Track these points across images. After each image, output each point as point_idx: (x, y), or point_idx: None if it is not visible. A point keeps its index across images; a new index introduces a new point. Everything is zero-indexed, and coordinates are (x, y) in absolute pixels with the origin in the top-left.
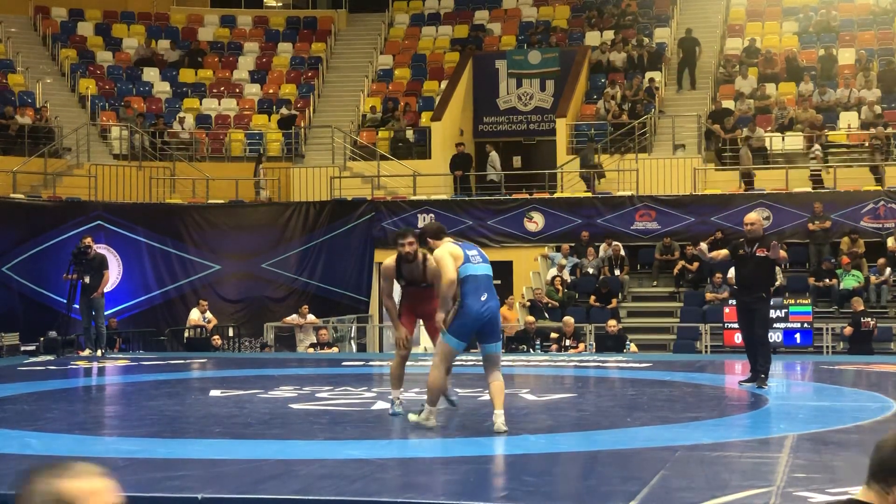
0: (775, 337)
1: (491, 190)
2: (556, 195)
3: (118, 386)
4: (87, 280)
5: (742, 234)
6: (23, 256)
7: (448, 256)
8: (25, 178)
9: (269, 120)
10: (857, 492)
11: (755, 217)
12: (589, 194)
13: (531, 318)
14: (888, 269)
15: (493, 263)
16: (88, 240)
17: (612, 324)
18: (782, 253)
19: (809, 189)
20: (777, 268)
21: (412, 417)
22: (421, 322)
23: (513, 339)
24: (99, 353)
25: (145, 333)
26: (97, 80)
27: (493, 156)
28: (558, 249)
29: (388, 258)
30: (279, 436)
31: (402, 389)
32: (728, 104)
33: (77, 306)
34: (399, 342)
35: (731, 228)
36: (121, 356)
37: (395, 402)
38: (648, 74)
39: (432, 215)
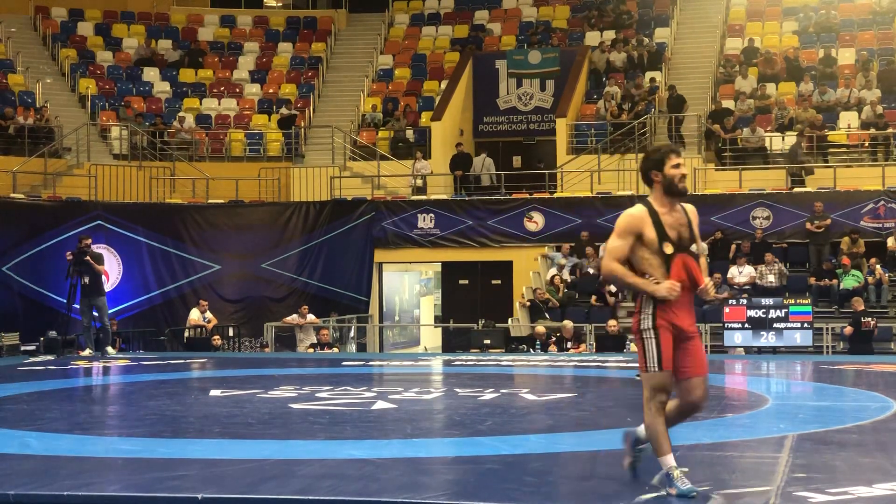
0: (774, 336)
1: (489, 191)
2: (556, 195)
3: (118, 386)
4: (86, 280)
5: (742, 234)
6: (23, 256)
7: None
8: (25, 178)
9: (269, 120)
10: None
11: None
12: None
13: (542, 330)
14: (878, 268)
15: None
16: (88, 241)
17: (612, 324)
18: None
19: (810, 189)
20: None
21: None
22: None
23: (513, 339)
24: (100, 352)
25: (145, 333)
26: (97, 80)
27: (489, 161)
28: (558, 249)
29: (629, 209)
30: (279, 436)
31: (674, 454)
32: (728, 104)
33: (77, 306)
34: (671, 290)
35: (731, 228)
36: (121, 356)
37: (676, 474)
38: (648, 74)
39: (432, 215)
